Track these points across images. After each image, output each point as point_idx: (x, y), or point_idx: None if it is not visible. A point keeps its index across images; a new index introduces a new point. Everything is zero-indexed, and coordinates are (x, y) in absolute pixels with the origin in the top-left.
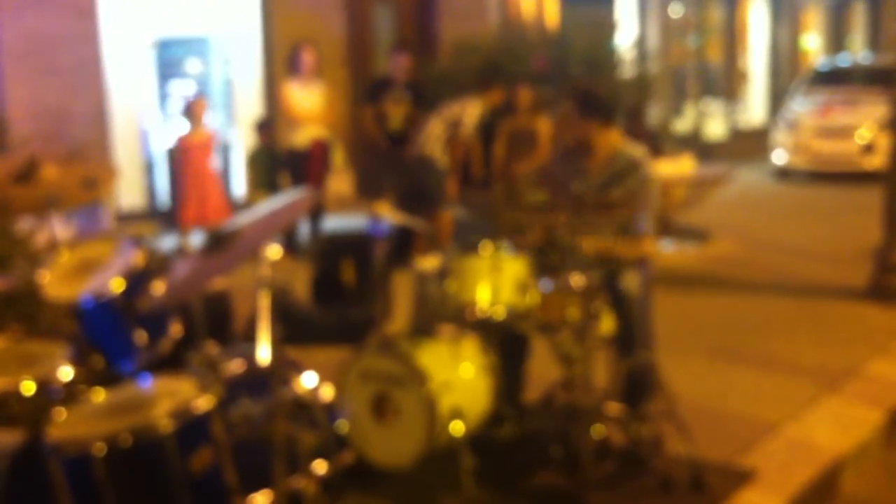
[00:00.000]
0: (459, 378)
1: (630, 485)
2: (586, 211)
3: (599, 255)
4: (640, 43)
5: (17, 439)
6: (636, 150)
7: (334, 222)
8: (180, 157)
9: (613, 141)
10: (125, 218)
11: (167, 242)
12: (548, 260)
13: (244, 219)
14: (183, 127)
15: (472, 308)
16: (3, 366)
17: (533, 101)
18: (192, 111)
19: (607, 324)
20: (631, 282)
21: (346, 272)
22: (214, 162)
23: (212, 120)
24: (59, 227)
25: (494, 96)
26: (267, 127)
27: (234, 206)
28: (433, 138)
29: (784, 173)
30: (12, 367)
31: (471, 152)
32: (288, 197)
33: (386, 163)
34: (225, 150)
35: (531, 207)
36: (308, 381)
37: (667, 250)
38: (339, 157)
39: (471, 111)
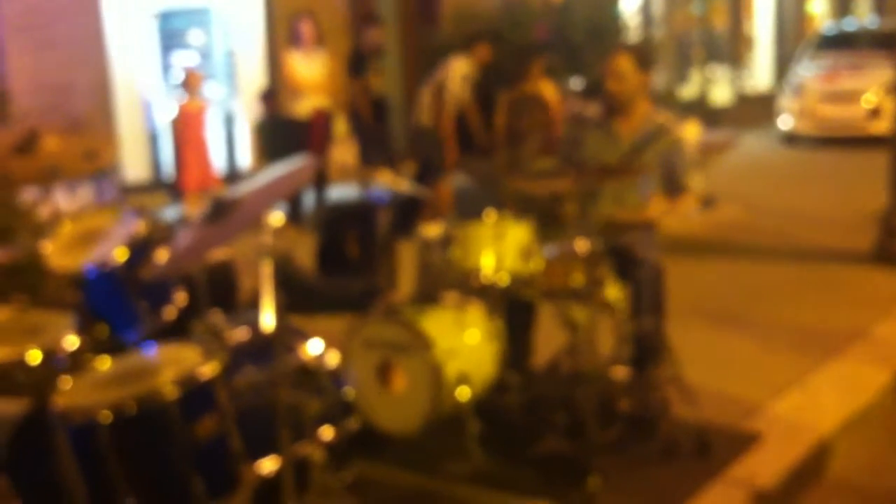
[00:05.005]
0: (464, 344)
1: (635, 450)
2: (613, 177)
3: (607, 220)
4: (645, 9)
5: (22, 408)
6: (662, 117)
7: (338, 192)
8: (179, 127)
9: (647, 107)
10: (130, 190)
11: (171, 212)
12: (552, 229)
13: (246, 187)
14: (181, 97)
15: (476, 275)
16: (8, 336)
17: (542, 70)
18: (188, 81)
19: (614, 290)
20: (638, 250)
21: (350, 241)
22: (207, 131)
23: (210, 91)
24: (63, 199)
25: (481, 53)
26: (270, 96)
27: (238, 176)
28: (426, 107)
29: (790, 138)
30: (17, 337)
31: (467, 115)
32: (290, 165)
33: (375, 133)
34: (228, 121)
35: (536, 175)
36: (313, 348)
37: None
38: (340, 127)
39: (454, 72)
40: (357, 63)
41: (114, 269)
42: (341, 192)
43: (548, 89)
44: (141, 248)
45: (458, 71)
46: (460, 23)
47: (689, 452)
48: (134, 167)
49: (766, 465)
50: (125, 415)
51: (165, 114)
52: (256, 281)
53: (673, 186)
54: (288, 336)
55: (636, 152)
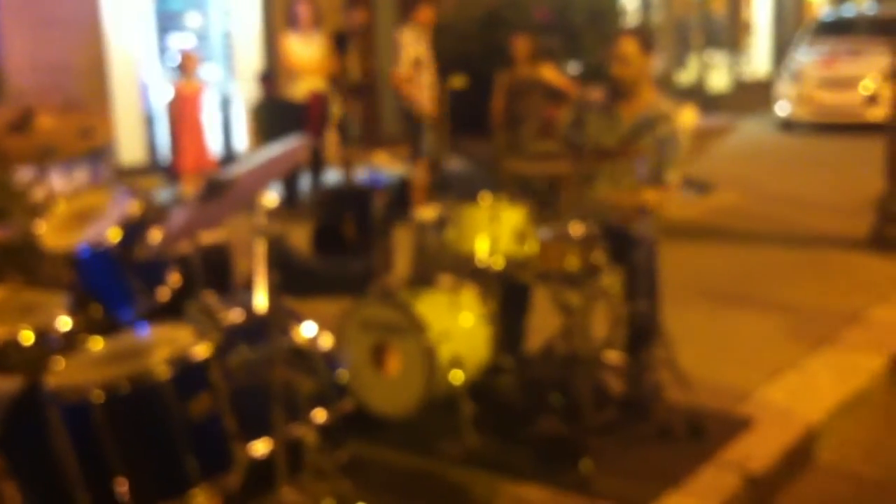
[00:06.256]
0: (459, 327)
1: (629, 432)
2: (609, 159)
3: (605, 203)
4: None
5: (16, 386)
6: (666, 104)
7: (335, 174)
8: (176, 109)
9: (652, 93)
10: (126, 172)
11: (167, 195)
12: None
13: (240, 167)
14: (177, 79)
15: (472, 258)
16: (2, 315)
17: (531, 50)
18: (184, 63)
19: (608, 273)
20: (636, 230)
21: (346, 223)
22: (203, 113)
23: (207, 73)
24: (58, 180)
25: (424, 16)
26: (269, 78)
27: (235, 159)
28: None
29: (788, 125)
30: (11, 316)
31: (407, 84)
32: (283, 145)
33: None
34: (225, 103)
35: (534, 157)
36: (307, 330)
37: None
38: (337, 110)
39: (403, 40)
40: (339, 44)
41: (108, 248)
42: (337, 174)
43: (548, 72)
44: (135, 228)
45: (407, 38)
46: (462, 4)
47: (682, 436)
48: (130, 149)
49: (759, 449)
50: (118, 394)
51: (162, 96)
52: (251, 263)
53: (655, 177)
54: (282, 317)
55: (634, 136)
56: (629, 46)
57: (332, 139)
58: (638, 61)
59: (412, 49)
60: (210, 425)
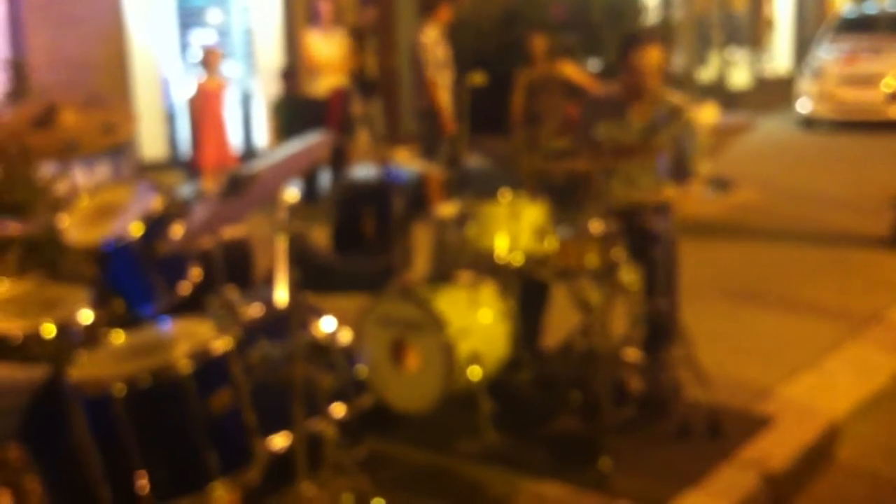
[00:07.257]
0: (478, 323)
1: (648, 430)
2: (626, 157)
3: (623, 201)
4: None
5: (37, 377)
6: (676, 97)
7: (355, 171)
8: (198, 105)
9: (659, 87)
10: (148, 168)
11: (188, 190)
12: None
13: (262, 163)
14: (200, 75)
15: (491, 254)
16: (25, 309)
17: (548, 47)
18: (207, 60)
19: (628, 271)
20: (654, 227)
21: (365, 220)
22: (226, 109)
23: (229, 69)
24: (81, 175)
25: (444, 15)
26: (291, 75)
27: (255, 155)
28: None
29: (809, 122)
30: (34, 310)
31: (432, 88)
32: (305, 141)
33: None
34: (246, 100)
35: (553, 155)
36: (327, 324)
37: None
38: (358, 107)
39: (424, 40)
40: (354, 40)
41: (130, 243)
42: (358, 171)
43: (569, 70)
44: (157, 223)
45: (427, 38)
46: (478, 2)
47: (701, 434)
48: (151, 145)
49: (778, 447)
50: (139, 388)
51: (183, 92)
52: (272, 259)
53: (680, 170)
54: (302, 312)
55: (650, 133)
56: (658, 55)
57: (362, 136)
58: (663, 67)
59: (438, 50)
60: (230, 420)
